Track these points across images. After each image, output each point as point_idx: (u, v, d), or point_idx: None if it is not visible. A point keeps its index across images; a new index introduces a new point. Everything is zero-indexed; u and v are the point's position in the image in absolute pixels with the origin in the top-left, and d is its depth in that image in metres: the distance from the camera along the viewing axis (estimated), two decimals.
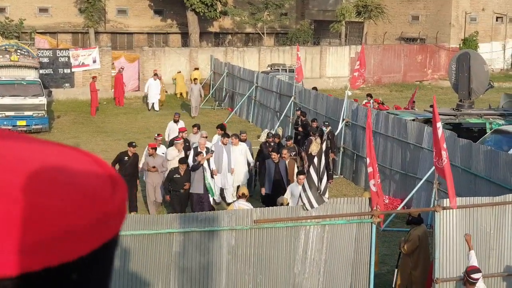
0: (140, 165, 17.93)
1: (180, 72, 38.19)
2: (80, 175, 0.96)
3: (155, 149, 17.79)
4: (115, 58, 38.30)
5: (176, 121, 22.83)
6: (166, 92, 35.99)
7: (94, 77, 33.35)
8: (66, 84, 36.28)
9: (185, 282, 10.41)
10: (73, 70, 36.40)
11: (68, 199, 0.92)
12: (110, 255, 0.97)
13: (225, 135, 18.82)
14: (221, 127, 20.60)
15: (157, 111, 33.88)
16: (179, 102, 36.39)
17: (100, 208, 0.93)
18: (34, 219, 0.89)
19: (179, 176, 16.33)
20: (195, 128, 21.04)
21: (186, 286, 10.43)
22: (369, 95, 30.28)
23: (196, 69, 38.91)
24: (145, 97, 35.35)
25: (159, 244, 10.34)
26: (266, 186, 17.16)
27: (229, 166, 18.41)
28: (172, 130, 22.34)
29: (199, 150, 17.31)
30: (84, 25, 48.48)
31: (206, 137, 19.00)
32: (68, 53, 36.60)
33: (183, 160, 16.75)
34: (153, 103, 34.37)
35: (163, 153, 18.45)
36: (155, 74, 34.94)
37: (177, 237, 10.32)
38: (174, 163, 17.19)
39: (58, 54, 36.38)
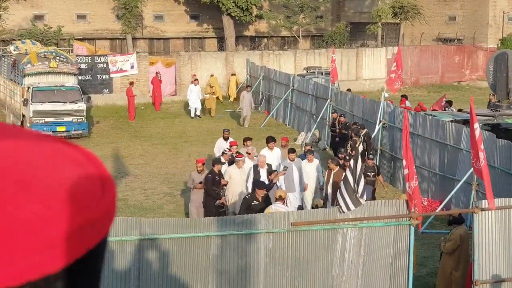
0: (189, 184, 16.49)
1: (213, 75, 38.22)
2: (67, 176, 0.90)
3: (204, 164, 16.58)
4: (152, 64, 38.64)
5: (226, 139, 20.23)
6: (218, 98, 35.37)
7: (131, 83, 33.73)
8: (105, 90, 36.69)
9: (223, 285, 10.49)
10: (111, 76, 36.81)
11: (50, 205, 0.85)
12: (97, 260, 0.92)
13: (291, 150, 16.92)
14: (272, 139, 18.21)
15: (199, 117, 33.43)
16: (224, 109, 35.67)
17: (86, 213, 0.87)
18: (11, 229, 0.82)
19: (257, 203, 13.82)
20: (248, 141, 18.71)
21: None
22: (404, 96, 30.23)
23: (233, 74, 39.09)
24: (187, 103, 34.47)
25: (197, 247, 10.43)
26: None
27: (302, 184, 16.51)
28: (221, 148, 19.21)
29: (259, 168, 15.64)
30: (122, 31, 49.00)
31: (253, 152, 17.47)
32: (106, 59, 37.02)
33: (262, 185, 14.31)
34: (195, 109, 33.51)
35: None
36: (196, 79, 34.40)
37: (215, 240, 10.40)
38: (237, 184, 15.72)
39: (97, 60, 36.83)
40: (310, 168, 16.83)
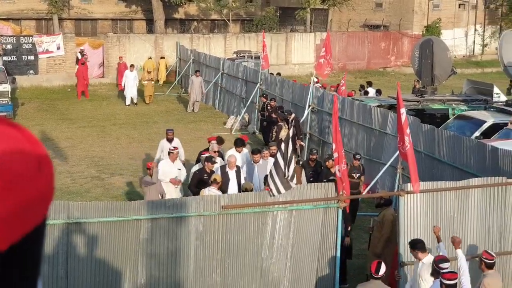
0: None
1: (150, 58, 37.70)
2: (2, 155, 0.85)
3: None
4: (79, 45, 37.94)
5: (170, 140, 17.90)
6: (157, 81, 34.02)
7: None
8: (30, 71, 35.89)
9: (153, 268, 10.47)
10: (40, 56, 35.99)
11: None
12: (38, 240, 0.88)
13: (256, 150, 15.69)
14: (242, 143, 16.72)
15: (136, 104, 31.95)
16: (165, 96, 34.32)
17: (20, 193, 0.83)
18: None
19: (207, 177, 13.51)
20: (241, 148, 16.60)
21: (154, 272, 10.48)
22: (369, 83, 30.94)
23: (162, 57, 38.75)
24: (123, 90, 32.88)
25: (127, 231, 10.37)
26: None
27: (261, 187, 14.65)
28: (164, 150, 17.13)
29: (227, 169, 14.47)
30: (48, 12, 47.88)
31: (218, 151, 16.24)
32: (32, 40, 36.18)
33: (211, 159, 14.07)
34: (131, 97, 31.97)
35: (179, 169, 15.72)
36: (132, 65, 32.83)
37: (145, 223, 10.36)
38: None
39: (22, 41, 35.94)
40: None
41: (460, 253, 9.79)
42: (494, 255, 9.83)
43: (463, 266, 9.57)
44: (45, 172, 0.88)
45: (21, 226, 0.82)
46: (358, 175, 15.79)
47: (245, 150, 16.43)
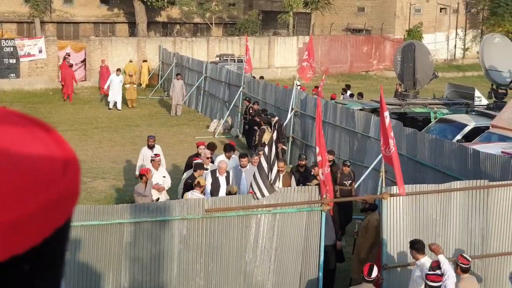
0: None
1: (131, 61, 37.58)
2: (28, 157, 0.88)
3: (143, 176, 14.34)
4: (61, 48, 37.77)
5: (151, 147, 17.21)
6: (140, 85, 33.15)
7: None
8: (12, 75, 35.67)
9: (136, 272, 10.43)
10: (21, 60, 35.78)
11: (10, 186, 0.82)
12: (62, 242, 0.90)
13: (243, 155, 15.47)
14: (231, 148, 16.44)
15: (119, 110, 31.40)
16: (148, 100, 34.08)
17: (47, 193, 0.85)
18: None
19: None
20: (230, 152, 16.25)
21: (137, 276, 10.45)
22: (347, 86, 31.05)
23: (145, 61, 38.66)
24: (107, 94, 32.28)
25: (110, 234, 10.33)
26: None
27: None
28: (146, 158, 16.71)
29: (217, 175, 14.16)
30: (30, 15, 47.63)
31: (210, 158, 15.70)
32: (14, 43, 35.97)
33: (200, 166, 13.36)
34: (115, 102, 31.43)
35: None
36: (118, 69, 32.33)
37: (128, 227, 10.32)
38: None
39: (3, 44, 35.73)
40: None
41: (442, 258, 9.82)
42: (470, 259, 9.85)
43: (447, 270, 9.60)
44: (70, 175, 0.89)
45: (43, 227, 0.83)
46: (349, 181, 15.60)
47: (234, 156, 16.13)
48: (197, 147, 16.50)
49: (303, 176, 15.64)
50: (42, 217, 0.83)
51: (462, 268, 9.53)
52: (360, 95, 28.70)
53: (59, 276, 0.92)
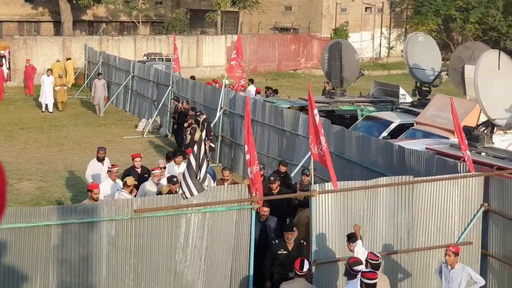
0: None
1: (58, 61, 36.87)
2: None
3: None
4: None
5: (101, 159, 16.06)
6: (66, 86, 31.71)
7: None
8: None
9: (65, 274, 10.25)
10: None
11: None
12: None
13: (178, 152, 15.13)
14: (181, 153, 16.04)
15: (51, 113, 30.43)
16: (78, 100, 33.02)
17: None
18: None
19: (286, 252, 11.34)
20: (180, 157, 15.71)
21: (65, 278, 10.27)
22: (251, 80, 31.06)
23: (68, 59, 37.99)
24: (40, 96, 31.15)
25: (37, 237, 10.11)
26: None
27: None
28: (95, 171, 15.84)
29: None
30: None
31: (165, 168, 15.00)
32: None
33: (290, 228, 11.46)
34: (46, 104, 30.52)
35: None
36: (49, 69, 31.43)
37: (56, 229, 10.13)
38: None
39: None
40: None
41: (359, 244, 10.18)
42: (380, 256, 9.97)
43: (359, 253, 10.00)
44: None
45: None
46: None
47: (184, 162, 15.09)
48: (133, 159, 15.66)
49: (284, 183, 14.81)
50: None
51: (372, 264, 9.62)
52: (275, 91, 29.14)
53: None
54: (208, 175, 14.28)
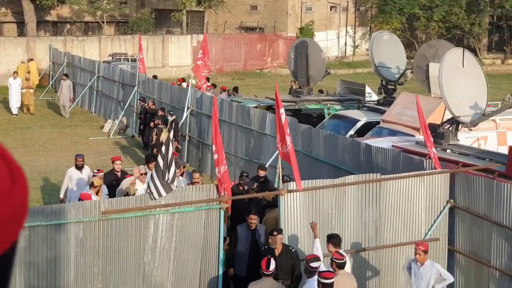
0: None
1: (23, 62, 36.39)
2: None
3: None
4: None
5: (79, 167, 15.30)
6: (32, 88, 30.85)
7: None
8: None
9: (32, 277, 10.15)
10: None
11: None
12: (11, 261, 0.82)
13: (150, 158, 14.62)
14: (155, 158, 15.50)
15: (16, 115, 29.78)
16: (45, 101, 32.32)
17: None
18: None
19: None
20: (153, 163, 13.63)
21: (33, 281, 10.17)
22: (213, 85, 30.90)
23: (31, 59, 37.54)
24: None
25: None
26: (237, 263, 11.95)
27: None
28: (73, 180, 15.18)
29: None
30: None
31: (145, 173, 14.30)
32: None
33: (270, 232, 11.10)
34: (16, 108, 29.75)
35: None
36: (15, 72, 30.69)
37: (22, 231, 10.03)
38: None
39: None
40: None
41: (317, 243, 10.25)
42: (345, 255, 10.01)
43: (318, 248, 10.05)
44: (19, 187, 0.80)
45: None
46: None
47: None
48: (113, 162, 15.23)
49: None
50: None
51: (337, 263, 9.65)
52: (235, 89, 29.28)
53: None
54: (185, 179, 14.28)
